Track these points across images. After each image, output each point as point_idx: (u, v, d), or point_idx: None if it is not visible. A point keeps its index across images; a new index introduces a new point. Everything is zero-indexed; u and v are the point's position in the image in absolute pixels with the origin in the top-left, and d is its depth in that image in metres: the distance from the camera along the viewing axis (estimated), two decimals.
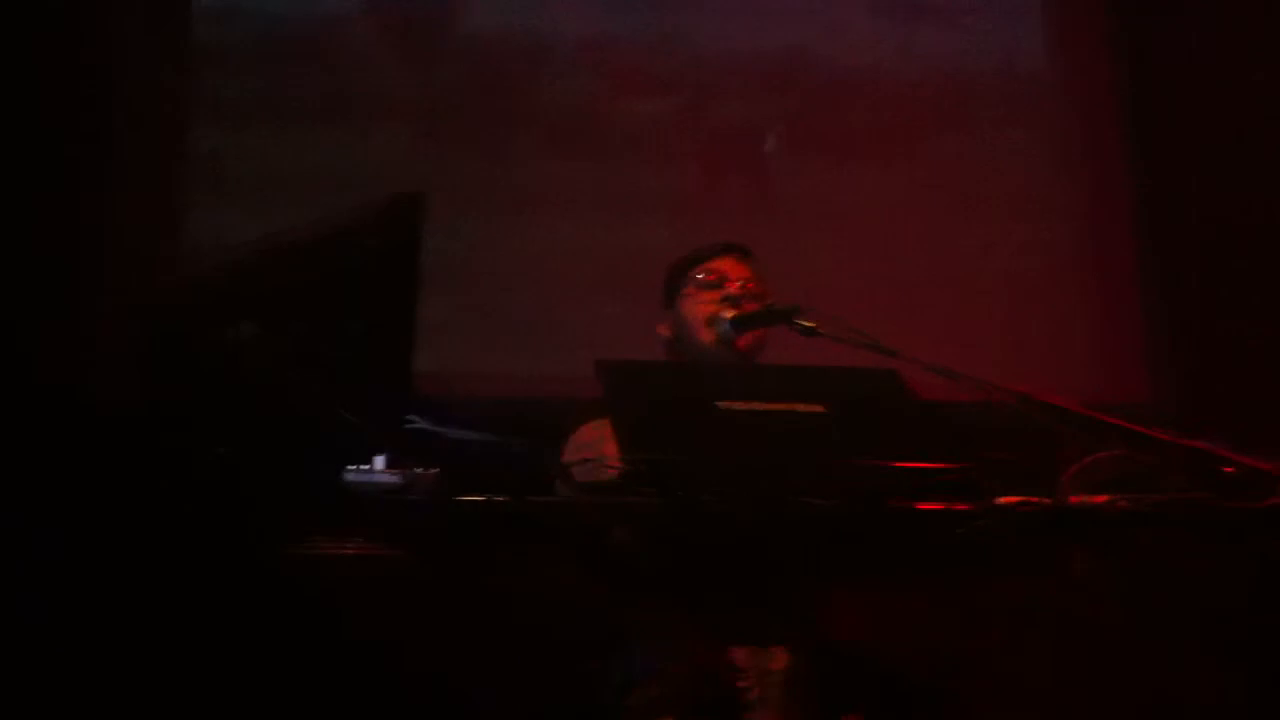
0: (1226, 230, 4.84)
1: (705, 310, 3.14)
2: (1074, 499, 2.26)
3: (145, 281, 4.20)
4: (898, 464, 2.20)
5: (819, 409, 2.25)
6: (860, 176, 4.89)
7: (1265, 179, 4.78)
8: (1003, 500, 2.22)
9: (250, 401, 1.90)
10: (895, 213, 4.84)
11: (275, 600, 1.98)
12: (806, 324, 2.76)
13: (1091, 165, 5.13)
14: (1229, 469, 2.34)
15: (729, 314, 3.06)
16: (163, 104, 4.44)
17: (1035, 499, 2.24)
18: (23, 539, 1.86)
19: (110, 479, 1.91)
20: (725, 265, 3.23)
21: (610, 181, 4.74)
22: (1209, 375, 4.67)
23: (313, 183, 4.43)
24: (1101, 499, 2.25)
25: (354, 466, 2.04)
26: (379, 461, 2.06)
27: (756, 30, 4.97)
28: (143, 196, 4.35)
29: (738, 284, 3.16)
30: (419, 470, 2.07)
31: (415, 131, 4.69)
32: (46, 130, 4.15)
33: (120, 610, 1.89)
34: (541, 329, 4.50)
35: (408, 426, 2.16)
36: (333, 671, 1.99)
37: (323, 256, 2.04)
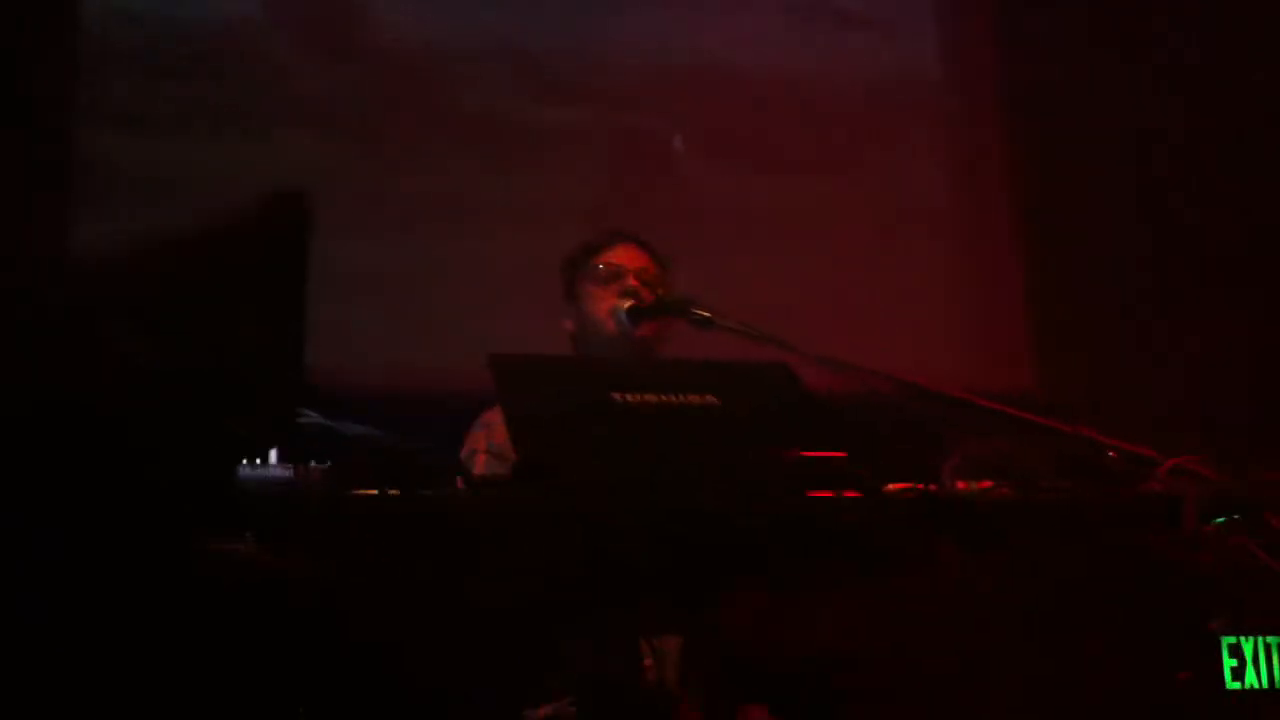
0: (1102, 226, 4.98)
1: (605, 304, 3.17)
2: (960, 485, 2.30)
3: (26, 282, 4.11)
4: (788, 454, 2.24)
5: (713, 401, 2.27)
6: (772, 184, 4.94)
7: (1147, 181, 4.95)
8: (890, 488, 2.27)
9: (125, 396, 1.89)
10: (808, 219, 4.91)
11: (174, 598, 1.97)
12: (702, 314, 2.80)
13: (980, 168, 5.24)
14: (1111, 454, 2.40)
15: (627, 305, 3.09)
16: (51, 105, 4.37)
17: (921, 486, 2.28)
18: None
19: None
20: (621, 256, 3.27)
21: (522, 188, 4.73)
22: (1088, 365, 4.81)
23: (214, 188, 4.36)
24: (985, 485, 2.29)
25: (246, 462, 2.04)
26: (272, 456, 2.05)
27: (671, 38, 5.00)
28: (30, 199, 4.27)
29: (634, 275, 3.19)
30: (312, 465, 2.06)
31: (321, 136, 4.65)
32: None
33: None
34: (448, 335, 4.48)
35: (301, 420, 2.16)
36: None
37: (204, 254, 2.04)
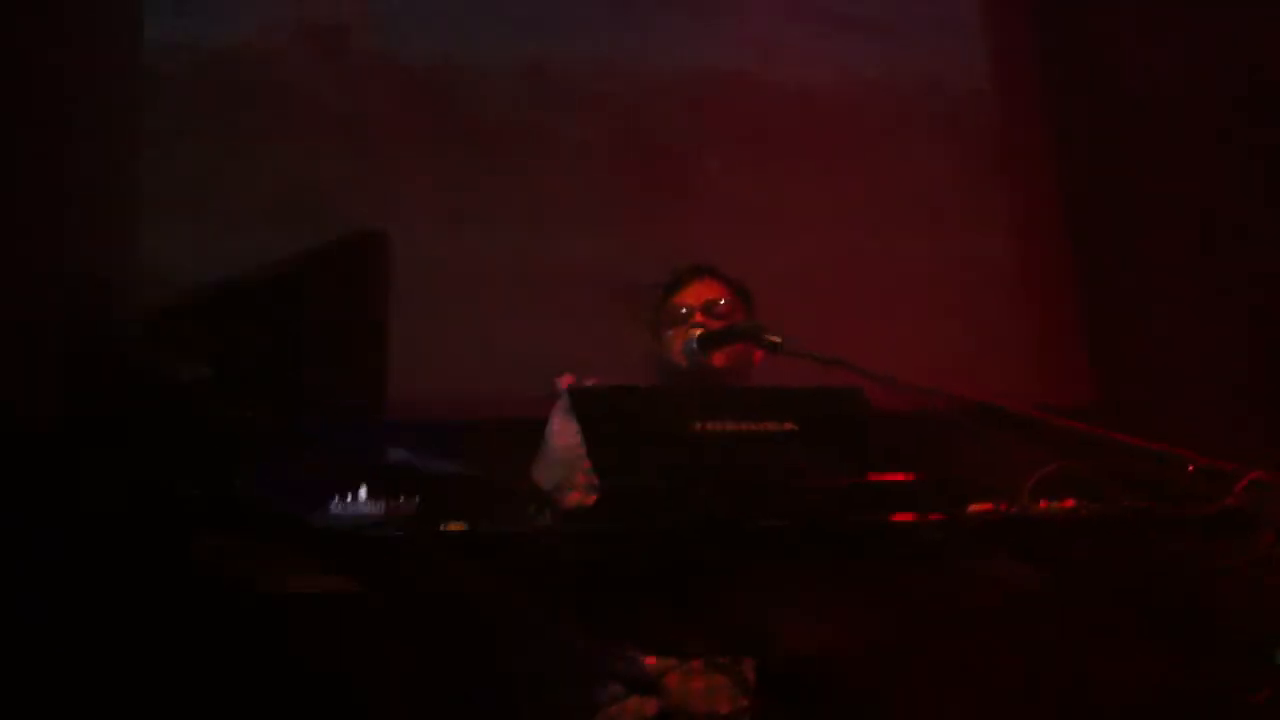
0: (1153, 231, 4.97)
1: (677, 341, 3.21)
2: (1042, 504, 2.30)
3: (83, 298, 4.15)
4: (871, 478, 2.25)
5: (790, 427, 2.28)
6: (797, 192, 4.93)
7: (1189, 182, 4.92)
8: (972, 509, 2.27)
9: (201, 433, 1.91)
10: (831, 226, 4.89)
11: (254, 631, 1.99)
12: (772, 339, 2.81)
13: (1024, 174, 5.22)
14: (1191, 469, 2.38)
15: (696, 334, 3.12)
16: (107, 127, 4.40)
17: (1004, 507, 2.28)
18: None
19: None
20: (692, 294, 3.33)
21: (545, 200, 4.74)
22: (1147, 377, 4.78)
23: (251, 204, 4.43)
24: (1068, 504, 2.29)
25: (337, 499, 2.06)
26: (361, 493, 2.07)
27: (693, 49, 5.00)
28: (85, 219, 4.30)
29: (700, 310, 3.24)
30: (401, 501, 2.08)
31: (354, 152, 4.65)
32: None
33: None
34: (472, 344, 4.47)
35: (388, 459, 2.18)
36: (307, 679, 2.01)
37: (283, 294, 2.06)
